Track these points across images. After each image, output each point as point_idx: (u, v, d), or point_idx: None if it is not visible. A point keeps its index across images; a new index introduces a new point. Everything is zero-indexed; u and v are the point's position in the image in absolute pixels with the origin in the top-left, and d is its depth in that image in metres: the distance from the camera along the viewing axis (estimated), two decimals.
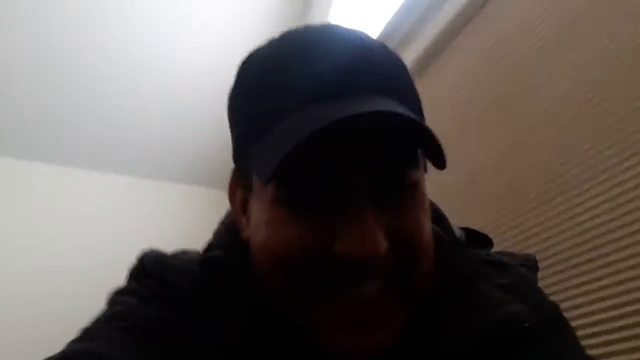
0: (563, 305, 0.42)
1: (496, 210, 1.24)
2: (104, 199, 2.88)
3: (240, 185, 0.41)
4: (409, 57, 1.72)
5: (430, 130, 0.32)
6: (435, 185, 0.44)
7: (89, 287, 1.87)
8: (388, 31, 1.89)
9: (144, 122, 2.84)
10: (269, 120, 0.34)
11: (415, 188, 0.36)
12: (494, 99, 1.33)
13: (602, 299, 0.91)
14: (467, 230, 0.47)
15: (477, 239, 0.46)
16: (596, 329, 0.91)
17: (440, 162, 0.34)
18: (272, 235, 0.34)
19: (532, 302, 0.38)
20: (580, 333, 0.42)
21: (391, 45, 1.38)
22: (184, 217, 2.94)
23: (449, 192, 1.31)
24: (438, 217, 0.44)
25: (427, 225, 0.37)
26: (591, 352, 0.86)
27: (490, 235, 0.47)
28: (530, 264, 0.44)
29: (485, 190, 1.30)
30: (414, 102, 0.38)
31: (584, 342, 0.41)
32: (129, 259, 0.45)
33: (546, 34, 1.18)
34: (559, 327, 0.39)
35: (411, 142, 0.34)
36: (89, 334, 0.37)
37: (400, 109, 0.33)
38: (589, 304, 0.93)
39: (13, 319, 2.35)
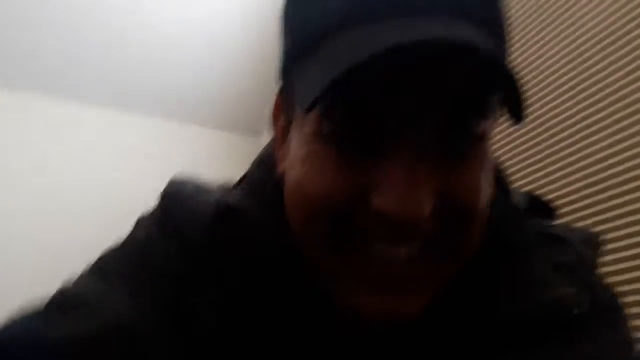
0: None
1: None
2: (119, 138, 2.93)
3: (282, 109, 0.36)
4: None
5: (512, 73, 0.25)
6: None
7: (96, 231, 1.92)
8: None
9: (158, 62, 2.82)
10: (317, 36, 0.28)
11: (480, 142, 0.29)
12: None
13: None
14: (530, 195, 0.41)
15: (541, 207, 0.41)
16: None
17: (518, 115, 0.27)
18: (307, 173, 0.29)
19: (586, 286, 0.33)
20: None
21: None
22: (197, 159, 3.00)
23: None
24: (498, 177, 0.37)
25: (486, 187, 0.30)
26: None
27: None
28: (592, 243, 0.38)
29: None
30: (497, 28, 0.30)
31: None
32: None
33: None
34: (613, 319, 0.35)
35: (485, 85, 0.28)
36: (99, 269, 0.36)
37: (479, 38, 0.27)
38: None
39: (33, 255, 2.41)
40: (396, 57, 0.25)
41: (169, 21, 2.69)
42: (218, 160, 3.12)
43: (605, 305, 0.34)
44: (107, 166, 2.81)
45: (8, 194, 2.53)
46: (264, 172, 0.38)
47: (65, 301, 0.32)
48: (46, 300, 0.33)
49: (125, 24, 2.64)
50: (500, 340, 0.31)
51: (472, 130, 0.28)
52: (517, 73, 0.26)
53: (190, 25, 2.75)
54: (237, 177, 0.42)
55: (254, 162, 0.41)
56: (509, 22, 0.31)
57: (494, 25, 0.30)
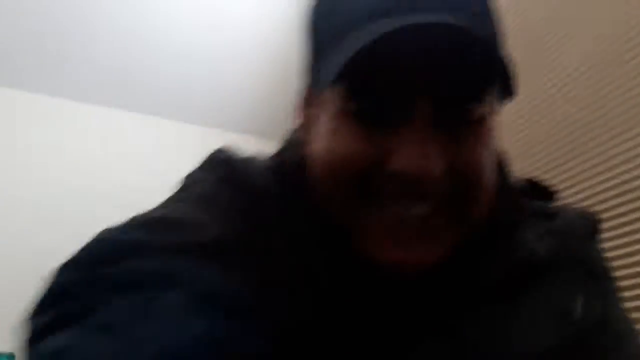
0: None
1: None
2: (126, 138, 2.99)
3: (308, 103, 0.41)
4: None
5: (502, 59, 0.31)
6: None
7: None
8: None
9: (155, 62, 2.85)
10: (339, 34, 0.34)
11: (480, 124, 0.34)
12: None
13: None
14: (532, 182, 0.45)
15: (541, 191, 0.45)
16: None
17: (509, 92, 0.33)
18: (333, 143, 0.35)
19: (567, 244, 0.38)
20: None
21: None
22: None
23: None
24: (500, 162, 0.42)
25: (489, 162, 0.35)
26: None
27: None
28: (586, 218, 0.41)
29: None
30: (489, 20, 0.36)
31: None
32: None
33: None
34: (604, 287, 0.38)
35: (482, 73, 0.33)
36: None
37: (473, 24, 0.32)
38: None
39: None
40: (404, 37, 0.30)
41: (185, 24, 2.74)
42: None
43: (594, 273, 0.38)
44: (125, 167, 2.87)
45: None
46: (291, 153, 0.42)
47: (162, 222, 0.34)
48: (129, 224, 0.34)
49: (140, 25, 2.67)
50: (487, 293, 0.36)
51: (471, 114, 0.34)
52: (508, 56, 0.31)
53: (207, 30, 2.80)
54: None
55: (281, 146, 0.45)
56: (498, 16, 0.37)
57: (486, 17, 0.36)
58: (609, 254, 0.44)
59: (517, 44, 1.40)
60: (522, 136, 1.30)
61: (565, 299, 0.36)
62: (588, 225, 0.41)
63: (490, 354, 0.34)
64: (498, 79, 0.33)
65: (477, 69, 0.32)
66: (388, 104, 0.33)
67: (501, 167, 0.42)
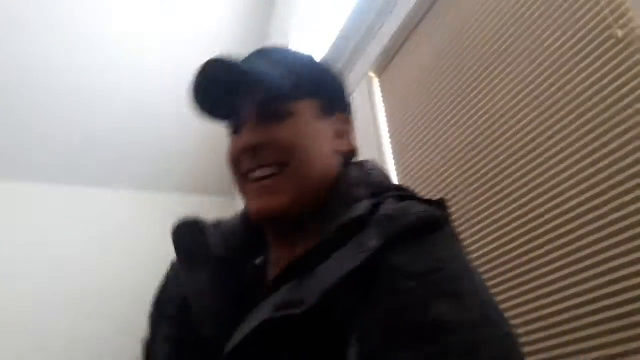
0: None
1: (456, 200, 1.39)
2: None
3: None
4: (370, 56, 1.88)
5: (256, 77, 0.55)
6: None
7: None
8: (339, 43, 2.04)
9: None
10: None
11: (291, 116, 0.55)
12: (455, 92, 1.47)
13: None
14: (405, 190, 0.55)
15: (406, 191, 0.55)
16: None
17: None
18: (227, 149, 0.58)
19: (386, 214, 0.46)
20: None
21: (346, 49, 1.45)
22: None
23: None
24: (365, 168, 0.58)
25: (307, 144, 0.55)
26: None
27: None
28: (431, 202, 0.49)
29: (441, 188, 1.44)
30: (284, 68, 0.57)
31: None
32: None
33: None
34: (410, 246, 0.43)
35: (265, 91, 0.56)
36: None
37: (264, 70, 0.56)
38: None
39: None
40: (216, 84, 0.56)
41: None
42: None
43: (408, 231, 0.44)
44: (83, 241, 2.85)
45: None
46: None
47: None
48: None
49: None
50: (332, 243, 0.46)
51: (279, 110, 0.55)
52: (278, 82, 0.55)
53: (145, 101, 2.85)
54: None
55: None
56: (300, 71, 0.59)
57: (282, 66, 0.57)
58: None
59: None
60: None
61: (365, 238, 0.44)
62: (423, 208, 0.47)
63: (315, 280, 0.43)
64: (305, 94, 0.57)
65: (257, 90, 0.55)
66: (234, 121, 0.58)
67: (363, 166, 0.59)
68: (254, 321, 0.44)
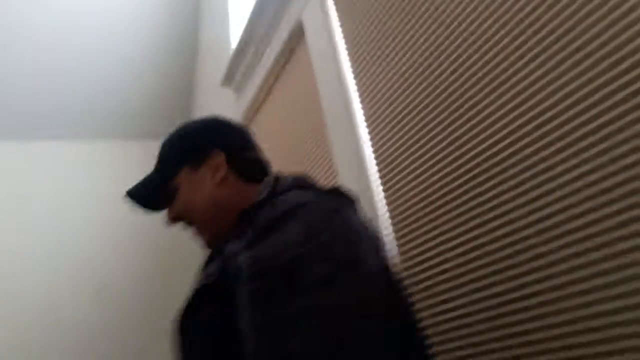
0: None
1: None
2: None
3: None
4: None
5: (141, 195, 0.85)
6: None
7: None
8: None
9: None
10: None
11: (177, 190, 0.82)
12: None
13: None
14: (301, 178, 0.76)
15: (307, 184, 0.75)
16: None
17: (137, 193, 0.87)
18: None
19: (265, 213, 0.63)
20: None
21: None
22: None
23: None
24: (273, 179, 0.77)
25: (198, 197, 0.79)
26: None
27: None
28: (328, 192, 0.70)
29: None
30: (157, 162, 0.85)
31: None
32: None
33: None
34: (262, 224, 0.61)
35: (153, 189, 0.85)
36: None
37: (143, 181, 0.86)
38: None
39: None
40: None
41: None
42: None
43: (261, 227, 0.59)
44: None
45: None
46: None
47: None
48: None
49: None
50: (232, 233, 0.70)
51: (169, 192, 0.83)
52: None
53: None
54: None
55: None
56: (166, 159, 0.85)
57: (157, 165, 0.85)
58: None
59: None
60: None
61: (232, 244, 0.63)
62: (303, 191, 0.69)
63: (216, 262, 0.66)
64: (175, 169, 0.83)
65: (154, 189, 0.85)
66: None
67: (273, 186, 0.75)
68: (195, 285, 0.65)
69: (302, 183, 0.72)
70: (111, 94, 3.00)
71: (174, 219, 0.81)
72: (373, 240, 0.61)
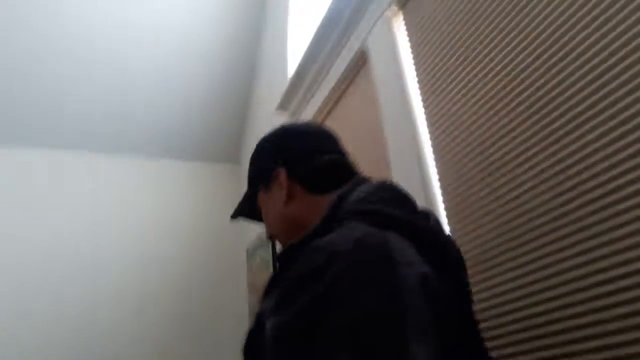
0: None
1: None
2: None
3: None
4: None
5: (241, 209, 0.92)
6: None
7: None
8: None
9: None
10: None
11: (260, 205, 0.84)
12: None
13: None
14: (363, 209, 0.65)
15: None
16: None
17: (236, 213, 0.93)
18: None
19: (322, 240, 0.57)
20: None
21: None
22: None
23: None
24: (340, 196, 0.71)
25: (271, 216, 0.81)
26: None
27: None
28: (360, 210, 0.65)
29: None
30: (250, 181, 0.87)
31: None
32: None
33: None
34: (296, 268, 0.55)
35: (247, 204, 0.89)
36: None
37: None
38: None
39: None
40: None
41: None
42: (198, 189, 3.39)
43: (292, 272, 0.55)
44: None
45: None
46: None
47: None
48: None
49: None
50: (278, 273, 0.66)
51: (255, 206, 0.86)
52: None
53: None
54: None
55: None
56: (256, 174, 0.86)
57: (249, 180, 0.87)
58: None
59: None
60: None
61: (268, 300, 0.60)
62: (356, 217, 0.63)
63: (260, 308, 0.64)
64: (254, 191, 0.85)
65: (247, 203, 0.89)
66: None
67: (340, 202, 0.70)
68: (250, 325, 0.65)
69: (366, 208, 0.63)
70: (174, 117, 3.12)
71: (268, 235, 0.85)
72: (429, 290, 0.50)
